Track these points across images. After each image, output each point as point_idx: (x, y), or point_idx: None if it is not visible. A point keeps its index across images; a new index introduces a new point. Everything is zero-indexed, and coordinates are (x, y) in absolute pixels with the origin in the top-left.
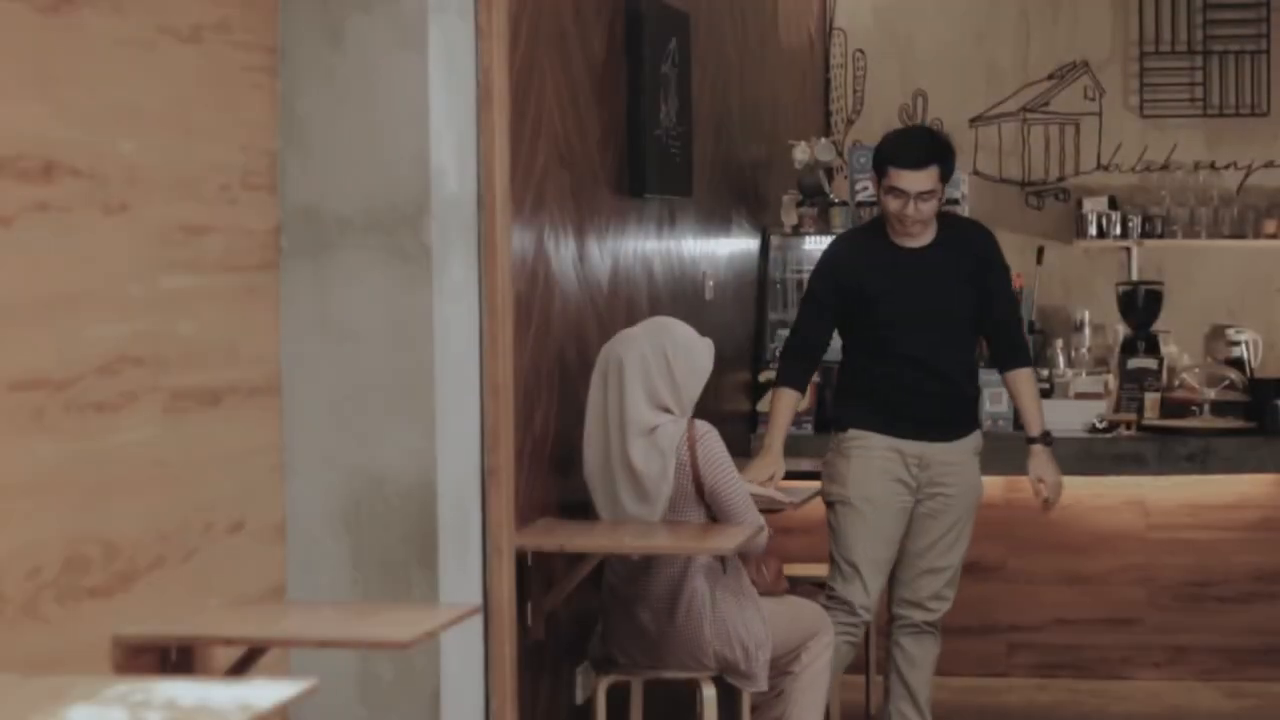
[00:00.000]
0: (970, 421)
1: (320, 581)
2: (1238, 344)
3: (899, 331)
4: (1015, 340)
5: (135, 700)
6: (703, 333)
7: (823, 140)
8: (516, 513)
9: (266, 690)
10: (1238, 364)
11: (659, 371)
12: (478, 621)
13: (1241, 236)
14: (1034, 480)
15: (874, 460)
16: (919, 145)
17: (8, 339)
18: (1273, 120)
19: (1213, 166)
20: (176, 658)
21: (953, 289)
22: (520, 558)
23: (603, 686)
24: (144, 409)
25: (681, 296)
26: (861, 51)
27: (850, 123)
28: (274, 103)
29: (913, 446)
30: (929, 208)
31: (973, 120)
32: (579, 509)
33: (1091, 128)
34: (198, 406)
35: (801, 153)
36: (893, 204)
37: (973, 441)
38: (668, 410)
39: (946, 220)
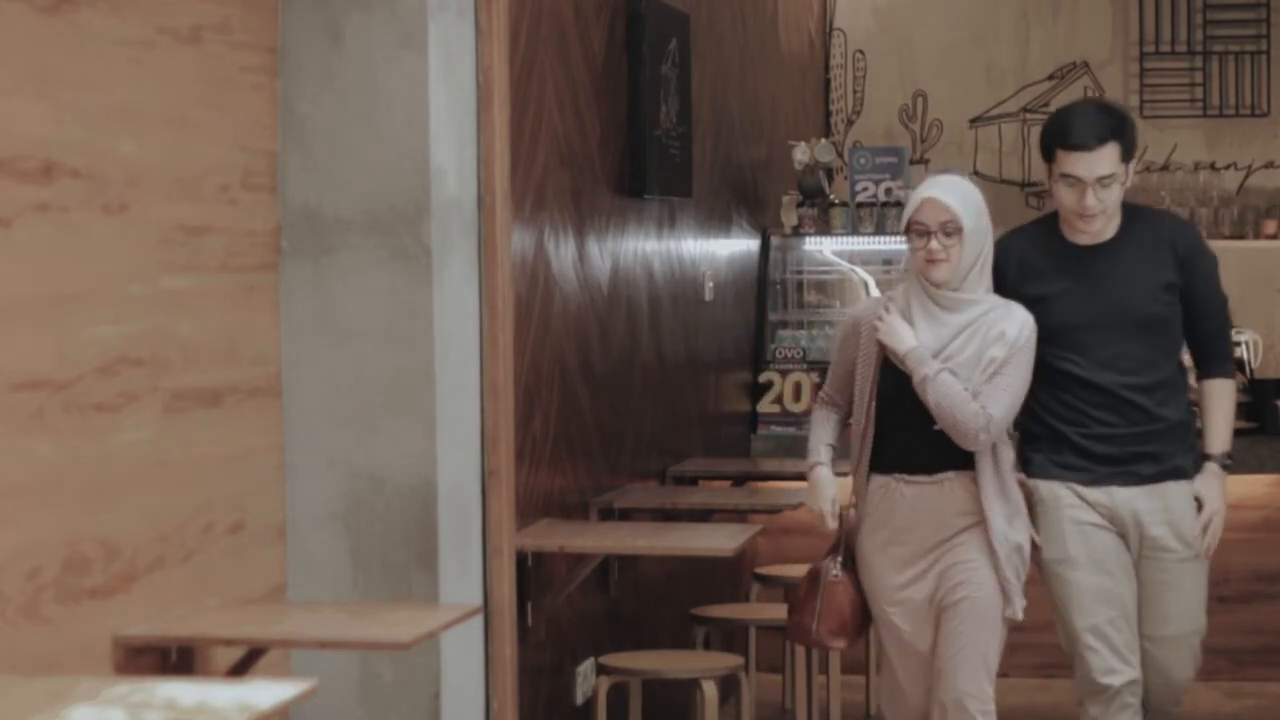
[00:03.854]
0: (1179, 459)
1: (320, 582)
2: (1238, 344)
3: (1068, 346)
4: (1216, 349)
5: (135, 701)
6: (701, 334)
7: (823, 141)
8: (516, 513)
9: (266, 691)
10: (1238, 364)
11: None
12: (478, 622)
13: (1242, 237)
14: (1196, 501)
15: (1058, 511)
16: (1093, 120)
17: (8, 339)
18: (1273, 120)
19: (1213, 167)
20: (177, 658)
21: (1139, 293)
22: (520, 558)
23: (603, 687)
24: (144, 409)
25: (681, 297)
26: (862, 52)
27: (850, 123)
28: (274, 103)
29: (1094, 494)
30: (1111, 196)
31: (973, 121)
32: (579, 509)
33: None
34: (198, 407)
35: (801, 153)
36: (1067, 196)
37: (1189, 486)
38: None
39: (1132, 212)
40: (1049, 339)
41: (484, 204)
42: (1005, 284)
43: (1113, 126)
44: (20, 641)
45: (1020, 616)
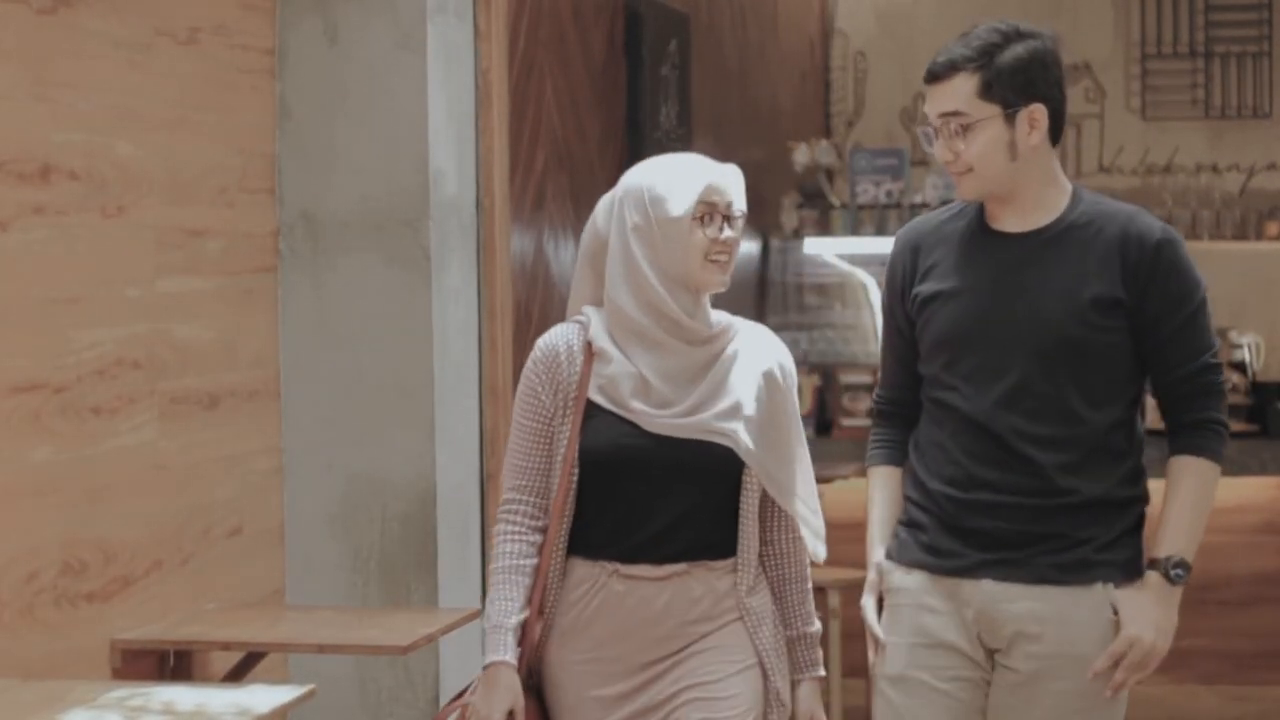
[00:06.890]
0: (1097, 554)
1: (319, 585)
2: (1240, 347)
3: (954, 369)
4: (1191, 413)
5: (133, 704)
6: None
7: (823, 143)
8: None
9: (264, 695)
10: (1240, 367)
11: None
12: (477, 626)
13: (1244, 239)
14: (1115, 618)
15: (906, 611)
16: (954, 44)
17: (5, 342)
18: (1275, 122)
19: (1215, 169)
20: (174, 662)
21: (1055, 304)
22: None
23: None
24: (142, 412)
25: None
26: (862, 54)
27: (851, 125)
28: (272, 105)
29: (964, 590)
30: (974, 148)
31: None
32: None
33: (1093, 130)
34: (196, 410)
35: (802, 155)
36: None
37: (1101, 594)
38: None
39: (1091, 200)
40: (933, 355)
41: (483, 206)
42: (897, 283)
43: (974, 51)
44: (18, 645)
45: None
